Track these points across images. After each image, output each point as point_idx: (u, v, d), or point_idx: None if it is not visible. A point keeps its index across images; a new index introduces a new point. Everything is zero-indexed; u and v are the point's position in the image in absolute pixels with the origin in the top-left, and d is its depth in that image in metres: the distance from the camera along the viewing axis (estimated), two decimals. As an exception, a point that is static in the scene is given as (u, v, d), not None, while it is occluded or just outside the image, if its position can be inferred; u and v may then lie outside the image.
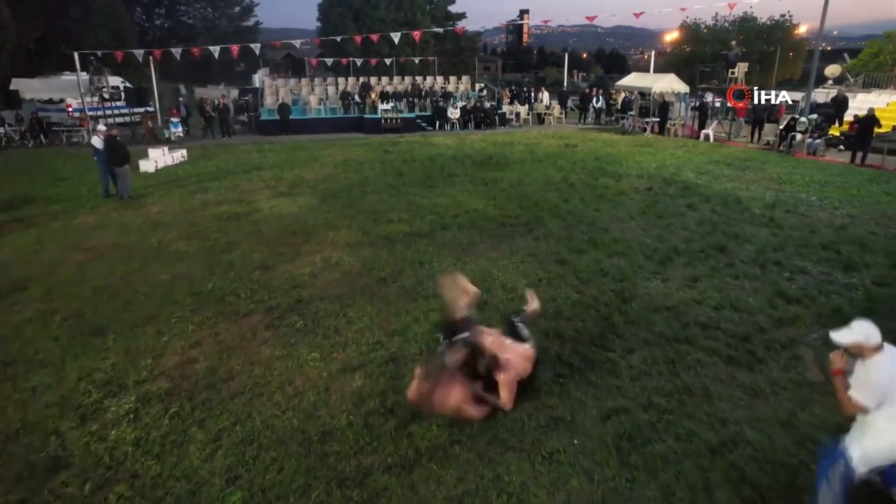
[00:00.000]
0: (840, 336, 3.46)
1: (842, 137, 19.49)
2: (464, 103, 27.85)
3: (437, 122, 26.57)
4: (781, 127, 19.15)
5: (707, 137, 20.91)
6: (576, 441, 4.51)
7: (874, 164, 16.36)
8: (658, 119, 24.28)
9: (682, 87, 26.97)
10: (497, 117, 27.68)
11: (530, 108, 30.18)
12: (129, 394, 5.16)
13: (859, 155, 16.93)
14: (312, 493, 3.96)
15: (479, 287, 6.93)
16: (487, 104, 28.46)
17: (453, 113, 26.63)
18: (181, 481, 4.10)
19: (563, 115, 30.82)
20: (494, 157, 17.36)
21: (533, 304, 5.58)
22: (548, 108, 30.21)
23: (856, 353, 3.43)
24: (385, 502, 3.90)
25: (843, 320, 6.28)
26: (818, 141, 18.33)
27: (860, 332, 3.41)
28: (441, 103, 27.18)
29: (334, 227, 10.01)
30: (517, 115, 29.20)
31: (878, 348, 3.38)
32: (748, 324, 6.34)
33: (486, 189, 12.89)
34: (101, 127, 13.24)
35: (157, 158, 16.22)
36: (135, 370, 5.54)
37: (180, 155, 17.48)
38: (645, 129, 24.60)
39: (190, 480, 4.10)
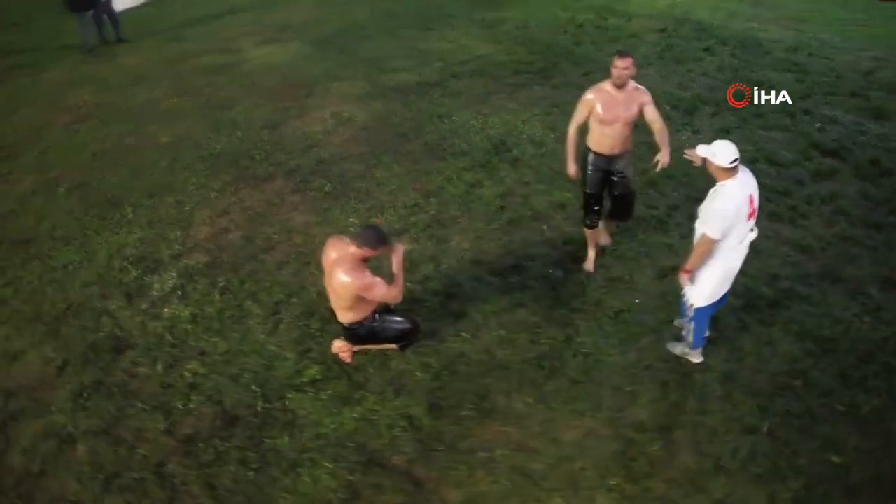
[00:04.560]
0: (699, 148, 3.49)
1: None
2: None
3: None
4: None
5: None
6: (637, 300, 4.56)
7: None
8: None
9: None
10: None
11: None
12: (168, 269, 4.95)
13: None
14: (391, 362, 3.99)
15: (506, 143, 6.64)
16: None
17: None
18: (252, 356, 4.07)
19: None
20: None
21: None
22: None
23: (711, 172, 3.42)
24: (464, 367, 3.97)
25: (881, 173, 6.39)
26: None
27: (711, 147, 3.37)
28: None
29: (336, 77, 9.18)
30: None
31: (729, 171, 3.33)
32: (786, 177, 6.25)
33: (491, 31, 11.83)
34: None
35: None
36: (166, 243, 5.28)
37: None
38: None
39: (261, 355, 4.07)
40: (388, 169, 6.51)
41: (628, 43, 11.19)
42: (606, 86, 4.21)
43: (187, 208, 5.82)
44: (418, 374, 3.91)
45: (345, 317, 3.74)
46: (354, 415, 3.63)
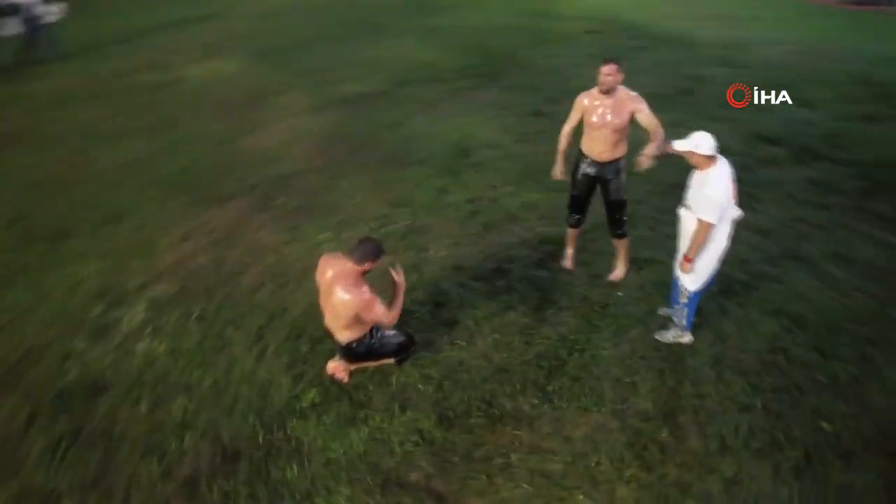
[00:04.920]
0: (677, 144, 3.65)
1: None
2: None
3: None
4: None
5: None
6: (620, 293, 4.68)
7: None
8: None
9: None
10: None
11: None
12: (135, 301, 4.65)
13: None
14: (390, 377, 3.91)
15: (466, 148, 6.65)
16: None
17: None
18: (243, 386, 3.88)
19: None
20: (425, 0, 15.83)
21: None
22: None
23: (694, 163, 3.63)
24: (465, 375, 3.93)
25: (817, 157, 6.86)
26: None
27: (693, 140, 3.54)
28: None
29: (283, 90, 8.95)
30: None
31: (712, 159, 3.56)
32: (735, 166, 6.48)
33: (432, 38, 11.88)
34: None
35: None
36: (128, 274, 4.96)
37: (58, 9, 14.19)
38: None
39: (253, 384, 3.88)
40: (352, 180, 6.41)
41: (567, 44, 11.56)
42: (596, 91, 4.25)
43: (146, 235, 5.49)
44: (420, 386, 3.85)
45: (342, 335, 3.63)
46: (362, 435, 3.52)
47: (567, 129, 4.53)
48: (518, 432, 3.54)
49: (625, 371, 3.95)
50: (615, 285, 4.77)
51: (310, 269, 4.92)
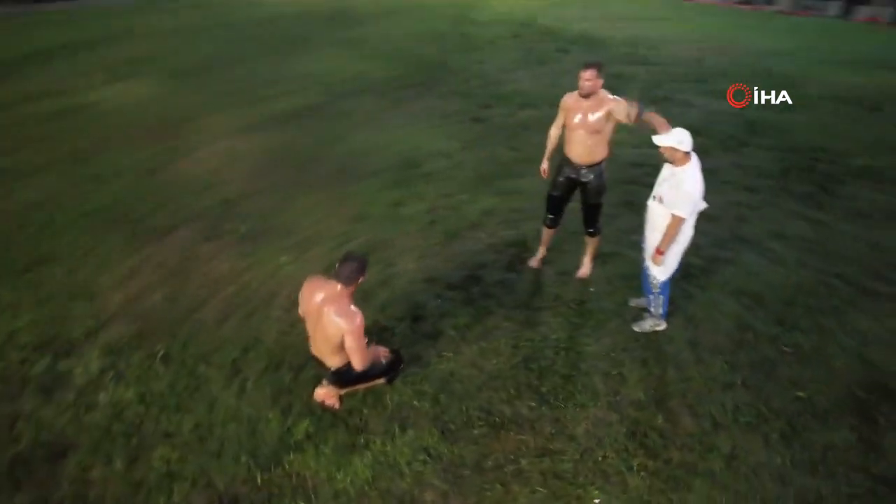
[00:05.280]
0: (659, 139, 3.78)
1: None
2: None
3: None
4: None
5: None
6: (592, 289, 4.81)
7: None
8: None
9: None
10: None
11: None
12: (87, 349, 4.23)
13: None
14: (383, 398, 3.80)
15: (414, 158, 6.61)
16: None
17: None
18: (229, 425, 3.63)
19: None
20: (342, 12, 15.67)
21: None
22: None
23: (669, 157, 3.80)
24: (458, 386, 3.89)
25: (740, 144, 7.38)
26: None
27: (676, 137, 3.69)
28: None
29: (211, 110, 8.53)
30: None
31: (689, 155, 3.77)
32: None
33: (357, 49, 11.78)
34: None
35: None
36: (73, 320, 4.51)
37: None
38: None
39: (239, 422, 3.64)
40: (303, 199, 6.20)
41: (491, 49, 11.81)
42: (577, 93, 4.35)
43: (82, 277, 5.03)
44: (416, 403, 3.76)
45: (333, 361, 3.49)
46: (366, 461, 3.39)
47: (554, 130, 4.63)
48: (522, 437, 3.54)
49: (611, 364, 4.05)
50: (585, 282, 4.90)
51: (275, 295, 4.79)
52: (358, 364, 3.40)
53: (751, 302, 4.59)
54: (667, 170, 3.90)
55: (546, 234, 4.98)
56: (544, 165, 4.76)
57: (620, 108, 4.17)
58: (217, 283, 4.94)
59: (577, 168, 4.56)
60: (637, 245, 5.20)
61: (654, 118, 3.91)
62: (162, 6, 17.71)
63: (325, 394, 3.74)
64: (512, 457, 3.42)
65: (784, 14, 15.59)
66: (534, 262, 5.09)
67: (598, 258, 5.05)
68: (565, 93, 4.51)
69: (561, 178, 4.68)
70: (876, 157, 6.90)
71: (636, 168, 6.61)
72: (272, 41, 12.39)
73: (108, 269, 5.14)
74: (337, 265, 3.41)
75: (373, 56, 11.24)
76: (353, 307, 3.32)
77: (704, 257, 5.12)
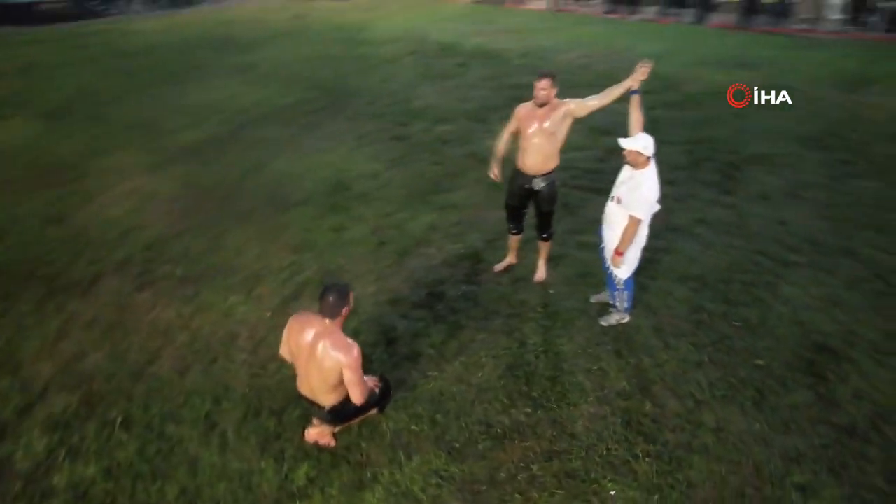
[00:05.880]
0: (626, 142, 4.04)
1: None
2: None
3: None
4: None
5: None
6: (552, 291, 4.97)
7: (565, 8, 19.19)
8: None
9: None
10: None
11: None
12: (21, 429, 3.70)
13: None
14: (379, 427, 3.67)
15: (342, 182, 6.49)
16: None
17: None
18: (219, 485, 3.33)
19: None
20: (225, 39, 14.98)
21: None
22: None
23: (632, 161, 4.04)
24: (451, 404, 3.85)
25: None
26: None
27: (642, 142, 3.95)
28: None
29: (104, 150, 7.79)
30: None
31: (650, 159, 4.01)
32: (591, 158, 7.43)
33: (252, 75, 11.34)
34: None
35: None
36: (-3, 398, 3.93)
37: None
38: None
39: (230, 479, 3.36)
40: (236, 234, 5.87)
41: (391, 68, 11.86)
42: (532, 104, 4.49)
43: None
44: (414, 427, 3.67)
45: (329, 398, 3.33)
46: (378, 495, 3.25)
47: (505, 135, 4.74)
48: (527, 443, 3.57)
49: (590, 360, 4.21)
50: (544, 285, 5.05)
51: (235, 337, 4.50)
52: (358, 398, 3.26)
53: (697, 285, 4.98)
54: (626, 172, 4.14)
55: (513, 240, 5.11)
56: (495, 170, 4.85)
57: (576, 103, 4.46)
58: (166, 332, 4.53)
59: (529, 178, 4.70)
60: (583, 245, 5.52)
61: (637, 110, 4.13)
62: (38, 36, 16.01)
63: (318, 433, 3.56)
64: (522, 465, 3.45)
65: (648, 21, 17.10)
66: (499, 266, 5.20)
67: (555, 261, 5.24)
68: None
69: (515, 188, 4.81)
70: (763, 145, 7.77)
71: (564, 171, 6.92)
72: (160, 72, 11.60)
73: (25, 333, 4.54)
74: (319, 300, 3.26)
75: (269, 82, 10.89)
76: (348, 339, 3.21)
77: (647, 248, 5.45)
